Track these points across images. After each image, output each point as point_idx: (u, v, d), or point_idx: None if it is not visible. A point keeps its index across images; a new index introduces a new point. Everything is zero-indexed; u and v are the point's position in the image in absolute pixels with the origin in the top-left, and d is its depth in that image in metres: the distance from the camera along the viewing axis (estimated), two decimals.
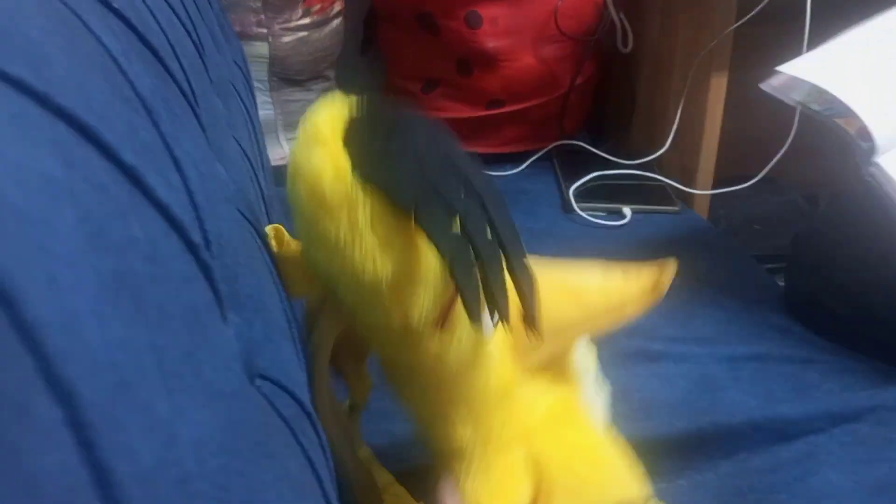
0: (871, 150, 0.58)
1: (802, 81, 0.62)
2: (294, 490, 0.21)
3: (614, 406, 0.62)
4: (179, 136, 0.28)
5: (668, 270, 0.36)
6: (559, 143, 1.09)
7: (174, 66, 0.35)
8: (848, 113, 0.59)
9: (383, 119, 0.31)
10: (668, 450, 0.58)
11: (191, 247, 0.21)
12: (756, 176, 0.93)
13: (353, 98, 0.31)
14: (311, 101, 1.18)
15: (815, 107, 0.61)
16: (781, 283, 0.81)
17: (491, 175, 0.32)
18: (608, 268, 0.38)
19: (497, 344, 0.37)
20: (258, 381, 0.25)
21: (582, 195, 0.95)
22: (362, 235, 0.29)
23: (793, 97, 0.63)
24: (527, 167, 1.06)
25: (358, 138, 0.30)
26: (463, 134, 1.09)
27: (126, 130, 0.20)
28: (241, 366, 0.23)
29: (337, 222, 0.29)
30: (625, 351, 0.67)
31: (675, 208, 0.94)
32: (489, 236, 0.29)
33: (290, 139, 1.09)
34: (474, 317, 0.28)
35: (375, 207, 0.29)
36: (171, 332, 0.16)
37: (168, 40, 0.37)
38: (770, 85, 0.64)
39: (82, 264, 0.14)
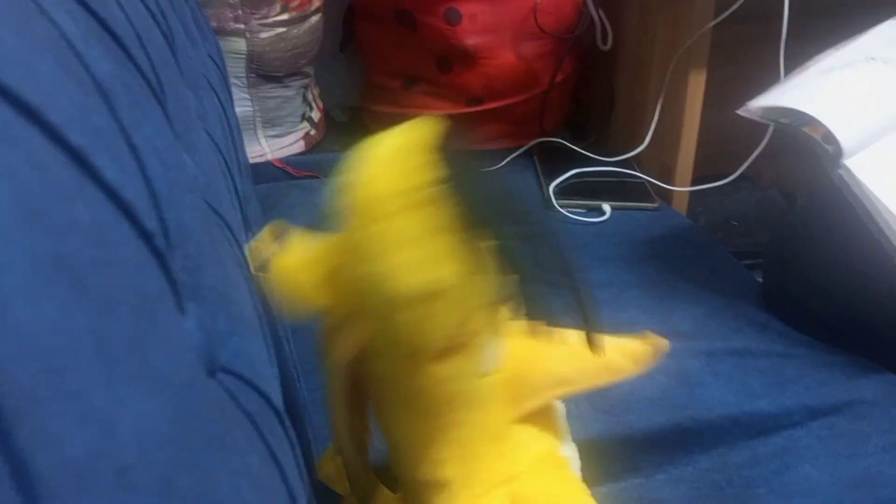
0: (837, 153, 0.60)
1: (772, 106, 0.66)
2: (253, 485, 0.20)
3: (594, 401, 0.61)
4: (139, 123, 0.27)
5: (659, 348, 0.37)
6: (539, 140, 1.08)
7: (139, 54, 0.35)
8: (813, 121, 0.62)
9: (461, 154, 0.32)
10: (646, 445, 0.58)
11: (144, 234, 0.20)
12: (734, 173, 0.94)
13: (427, 129, 0.32)
14: (289, 98, 1.17)
15: (784, 121, 0.64)
16: (759, 279, 0.81)
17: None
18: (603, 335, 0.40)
19: (495, 386, 0.37)
20: (220, 375, 0.25)
21: (562, 192, 0.95)
22: (413, 245, 0.30)
23: (764, 116, 0.66)
24: (507, 164, 1.06)
25: (441, 161, 0.30)
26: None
27: (76, 113, 0.20)
28: (198, 358, 0.22)
29: (391, 228, 0.30)
30: None
31: (655, 205, 0.94)
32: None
33: (268, 136, 1.08)
34: (541, 330, 0.29)
35: (433, 222, 0.30)
36: (116, 318, 0.15)
37: (133, 29, 0.36)
38: (746, 110, 0.69)
39: (14, 243, 0.13)
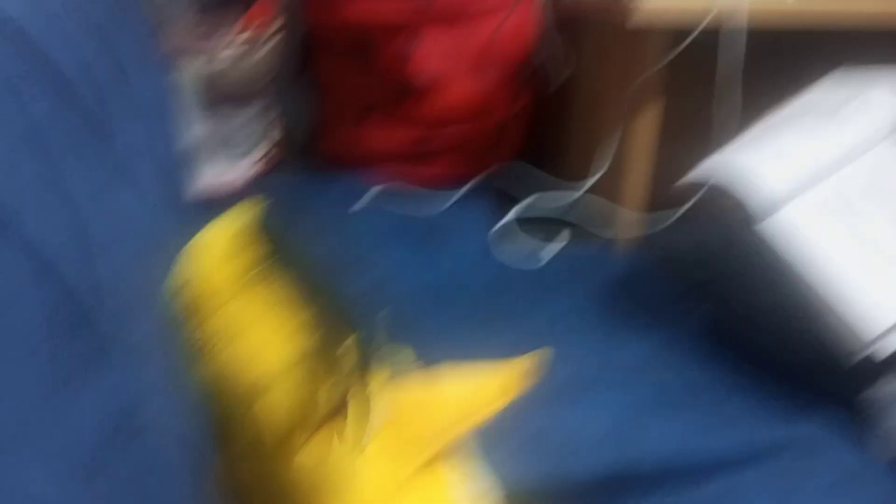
0: (747, 219, 0.64)
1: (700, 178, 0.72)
2: None
3: (545, 439, 0.61)
4: (75, 168, 0.26)
5: (524, 366, 0.39)
6: (495, 169, 1.09)
7: (83, 90, 0.34)
8: (726, 191, 0.67)
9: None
10: (592, 487, 0.57)
11: (68, 293, 0.19)
12: (685, 206, 0.95)
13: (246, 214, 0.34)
14: (246, 121, 1.16)
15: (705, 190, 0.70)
16: (708, 313, 0.83)
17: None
18: (468, 371, 0.40)
19: (375, 453, 0.36)
20: (140, 435, 0.24)
21: (517, 222, 0.96)
22: (254, 326, 0.31)
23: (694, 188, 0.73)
24: (463, 194, 1.07)
25: (260, 241, 0.33)
26: (398, 161, 1.08)
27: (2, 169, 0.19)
28: (113, 422, 0.21)
29: (231, 313, 0.31)
30: (555, 380, 0.67)
31: (607, 238, 0.96)
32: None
33: (225, 159, 1.07)
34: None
35: (267, 301, 0.31)
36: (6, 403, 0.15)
37: (79, 64, 0.35)
38: (678, 186, 0.76)
39: None
